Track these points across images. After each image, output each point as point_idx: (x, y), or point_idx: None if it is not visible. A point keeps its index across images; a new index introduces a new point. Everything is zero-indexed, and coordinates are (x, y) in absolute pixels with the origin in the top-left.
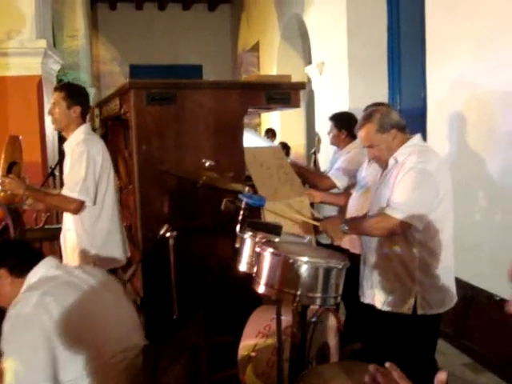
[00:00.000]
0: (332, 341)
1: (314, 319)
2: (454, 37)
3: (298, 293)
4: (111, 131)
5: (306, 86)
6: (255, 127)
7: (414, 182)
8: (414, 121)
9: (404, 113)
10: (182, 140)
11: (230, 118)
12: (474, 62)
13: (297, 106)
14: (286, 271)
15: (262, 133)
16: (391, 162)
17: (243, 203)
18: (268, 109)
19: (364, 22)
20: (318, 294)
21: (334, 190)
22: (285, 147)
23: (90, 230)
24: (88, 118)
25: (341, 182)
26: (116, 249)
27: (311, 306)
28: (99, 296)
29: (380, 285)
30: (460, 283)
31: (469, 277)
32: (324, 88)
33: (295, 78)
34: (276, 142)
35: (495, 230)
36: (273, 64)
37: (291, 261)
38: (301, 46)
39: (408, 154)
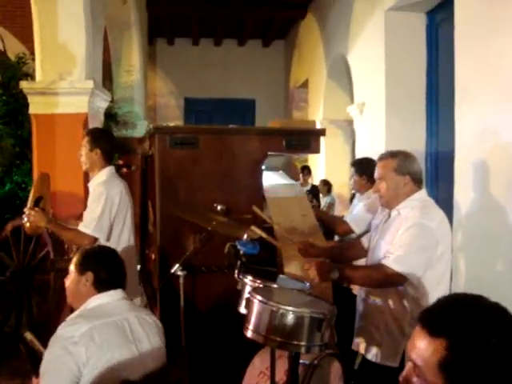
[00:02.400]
0: None
1: (312, 363)
2: (480, 86)
3: (283, 340)
4: (149, 167)
5: (325, 132)
6: (302, 163)
7: (414, 237)
8: (446, 164)
9: (440, 155)
10: (202, 183)
11: (250, 162)
12: (498, 111)
13: (316, 152)
14: (272, 319)
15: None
16: (394, 213)
17: (242, 250)
18: (291, 153)
19: (402, 65)
20: (303, 343)
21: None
22: (326, 184)
23: None
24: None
25: (357, 228)
26: (130, 282)
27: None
28: (136, 349)
29: (369, 335)
30: None
31: None
32: (364, 128)
33: (340, 117)
34: (316, 180)
35: None
36: (320, 102)
37: (277, 309)
38: (347, 84)
39: (411, 207)
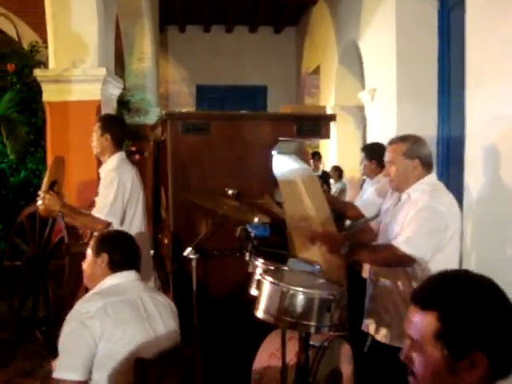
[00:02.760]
0: (345, 368)
1: (322, 344)
2: (492, 71)
3: (293, 320)
4: (161, 153)
5: (336, 118)
6: (314, 149)
7: (424, 220)
8: (457, 150)
9: (451, 141)
10: (214, 168)
11: (261, 148)
12: (507, 97)
13: (327, 137)
14: (282, 300)
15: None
16: (404, 196)
17: (253, 233)
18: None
19: (413, 51)
20: (313, 323)
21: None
22: (337, 170)
23: None
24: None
25: (368, 212)
26: (143, 266)
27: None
28: (150, 327)
29: (378, 316)
30: None
31: None
32: (375, 114)
33: (352, 103)
34: (327, 165)
35: None
36: (331, 88)
37: (287, 290)
38: (358, 70)
39: (421, 191)
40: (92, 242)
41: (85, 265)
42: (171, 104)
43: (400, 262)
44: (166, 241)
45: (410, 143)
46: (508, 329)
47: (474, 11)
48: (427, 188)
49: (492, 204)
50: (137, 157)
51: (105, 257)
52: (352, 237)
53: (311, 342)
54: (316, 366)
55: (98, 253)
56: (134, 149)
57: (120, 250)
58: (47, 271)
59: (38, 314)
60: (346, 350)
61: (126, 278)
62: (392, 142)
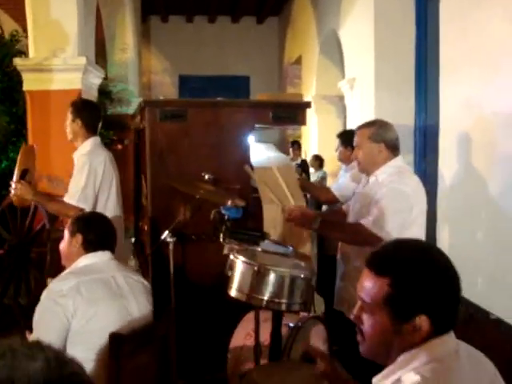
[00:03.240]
0: (320, 347)
1: (296, 324)
2: (463, 59)
3: (265, 298)
4: (141, 141)
5: (311, 105)
6: (296, 139)
7: (390, 201)
8: (434, 138)
9: (428, 130)
10: (192, 154)
11: (238, 134)
12: (479, 84)
13: (303, 123)
14: (254, 278)
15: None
16: (372, 179)
17: (226, 215)
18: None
19: (392, 40)
20: (284, 300)
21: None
22: (318, 159)
23: None
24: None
25: (342, 197)
26: (117, 251)
27: (301, 314)
28: (122, 305)
29: (349, 294)
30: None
31: (469, 294)
32: (354, 103)
33: (333, 92)
34: (308, 154)
35: (494, 249)
36: (313, 78)
37: (258, 269)
38: (339, 60)
39: (388, 174)
40: (68, 223)
41: (61, 245)
42: (154, 94)
43: (367, 241)
44: (145, 227)
45: (375, 128)
46: (452, 295)
47: (446, 0)
48: (393, 170)
49: (464, 190)
50: (119, 146)
51: (79, 237)
52: (323, 216)
53: (287, 323)
54: (290, 345)
55: (72, 233)
56: (115, 138)
57: (94, 231)
58: (29, 259)
59: (19, 301)
60: (320, 331)
61: (100, 257)
62: (359, 126)
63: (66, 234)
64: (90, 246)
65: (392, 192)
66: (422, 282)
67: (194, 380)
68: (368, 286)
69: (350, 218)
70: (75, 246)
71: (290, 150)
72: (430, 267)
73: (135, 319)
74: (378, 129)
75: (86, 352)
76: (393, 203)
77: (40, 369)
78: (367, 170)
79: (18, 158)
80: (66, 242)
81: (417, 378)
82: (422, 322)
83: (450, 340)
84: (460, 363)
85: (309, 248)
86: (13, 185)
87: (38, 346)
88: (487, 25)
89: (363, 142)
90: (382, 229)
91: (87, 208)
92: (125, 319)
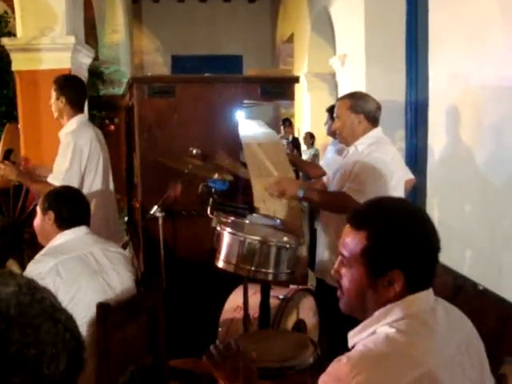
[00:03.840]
0: (310, 319)
1: (285, 296)
2: (450, 32)
3: (252, 268)
4: (131, 120)
5: (299, 80)
6: (290, 117)
7: (370, 169)
8: (424, 114)
9: (419, 105)
10: (180, 130)
11: (226, 110)
12: (465, 56)
13: (291, 98)
14: (241, 249)
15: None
16: (352, 149)
17: (213, 188)
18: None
19: (382, 15)
20: (271, 270)
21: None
22: (311, 137)
23: None
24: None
25: (329, 170)
26: (104, 230)
27: (290, 286)
28: (103, 281)
29: (331, 263)
30: (450, 272)
31: (458, 267)
32: (345, 79)
33: (325, 70)
34: (301, 132)
35: (482, 221)
36: (305, 55)
37: (244, 239)
38: (331, 37)
39: (368, 144)
40: (40, 199)
41: (35, 223)
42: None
43: (350, 208)
44: (137, 205)
45: (355, 99)
46: (428, 253)
47: None
48: (373, 141)
49: (452, 165)
50: (112, 127)
51: (51, 214)
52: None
53: (277, 295)
54: (279, 317)
55: (44, 210)
56: (107, 121)
57: (66, 207)
58: (22, 239)
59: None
60: (310, 303)
61: (76, 234)
62: (340, 98)
63: (38, 211)
64: (63, 223)
65: (373, 160)
66: (398, 236)
67: (185, 354)
68: (348, 240)
69: (332, 189)
70: (48, 223)
71: (281, 127)
72: (408, 222)
73: (118, 292)
74: (357, 100)
75: None
76: (374, 171)
77: (12, 292)
78: (347, 140)
79: (2, 137)
80: (39, 220)
81: (392, 330)
82: (396, 276)
83: (426, 297)
84: (436, 319)
85: (299, 222)
86: None
87: (10, 274)
88: None
89: (343, 113)
90: (364, 196)
91: None
92: (107, 294)
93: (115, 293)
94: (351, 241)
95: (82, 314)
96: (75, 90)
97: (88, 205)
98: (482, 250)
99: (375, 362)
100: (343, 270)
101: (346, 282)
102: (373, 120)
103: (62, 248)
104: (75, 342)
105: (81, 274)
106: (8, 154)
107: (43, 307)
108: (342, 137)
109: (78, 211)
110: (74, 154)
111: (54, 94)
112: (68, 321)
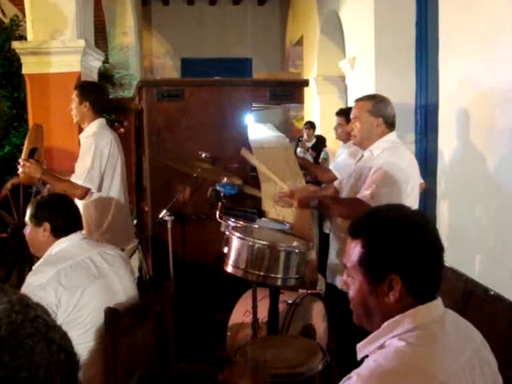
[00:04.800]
0: (319, 324)
1: (294, 301)
2: (461, 35)
3: (261, 273)
4: (141, 122)
5: (309, 83)
6: (299, 121)
7: (386, 175)
8: (434, 116)
9: (429, 107)
10: (189, 133)
11: (235, 113)
12: (477, 60)
13: (300, 102)
14: (249, 254)
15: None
16: (367, 153)
17: (222, 192)
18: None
19: (392, 18)
20: (280, 275)
21: None
22: (321, 140)
23: (96, 215)
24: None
25: (340, 175)
26: (121, 232)
27: (299, 290)
28: (104, 285)
29: (342, 267)
30: (460, 276)
31: (469, 271)
32: (355, 82)
33: (334, 73)
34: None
35: (493, 225)
36: (314, 58)
37: (254, 244)
38: (340, 41)
39: (383, 148)
40: (29, 211)
41: (28, 236)
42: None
43: None
44: (146, 208)
45: (375, 101)
46: (426, 257)
47: None
48: (388, 145)
49: (463, 167)
50: (122, 130)
51: (47, 226)
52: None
53: (286, 300)
54: (288, 321)
55: (38, 223)
56: (116, 124)
57: (60, 215)
58: None
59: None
60: (319, 308)
61: (72, 240)
62: (359, 99)
63: (30, 224)
64: (59, 232)
65: (388, 166)
66: (391, 240)
67: (194, 358)
68: (349, 252)
69: (345, 193)
70: (44, 235)
71: (304, 131)
72: (401, 227)
73: (120, 295)
74: (378, 103)
75: (81, 337)
76: (389, 177)
77: (3, 310)
78: (362, 143)
79: (27, 136)
80: (32, 233)
81: (402, 343)
82: (394, 281)
83: (435, 307)
84: (445, 330)
85: (309, 226)
86: (21, 162)
87: (1, 289)
88: (486, 0)
89: (362, 115)
90: (379, 202)
91: (93, 188)
92: (110, 297)
93: (117, 295)
94: (351, 251)
95: (88, 319)
96: (98, 96)
97: (77, 208)
98: (494, 254)
99: (386, 379)
100: (349, 280)
101: (351, 293)
102: (390, 124)
103: (60, 256)
104: (70, 362)
105: (82, 280)
106: (32, 153)
107: (36, 326)
108: (357, 139)
109: (71, 218)
110: (95, 155)
111: (76, 100)
112: (62, 340)
